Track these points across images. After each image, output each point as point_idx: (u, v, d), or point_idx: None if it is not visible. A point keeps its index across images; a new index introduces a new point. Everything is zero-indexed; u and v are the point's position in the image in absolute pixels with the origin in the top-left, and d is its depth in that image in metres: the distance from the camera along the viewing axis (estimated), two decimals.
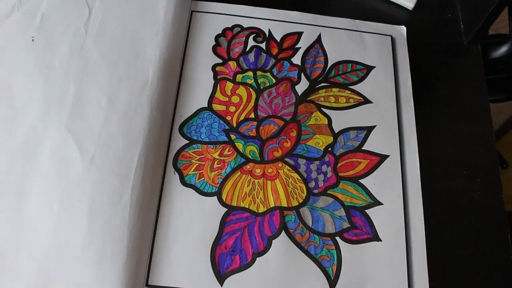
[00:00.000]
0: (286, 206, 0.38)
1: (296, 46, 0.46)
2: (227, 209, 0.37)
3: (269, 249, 0.36)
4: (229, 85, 0.43)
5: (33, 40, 0.41)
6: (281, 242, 0.36)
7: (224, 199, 0.38)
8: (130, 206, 0.35)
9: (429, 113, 0.45)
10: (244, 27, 0.46)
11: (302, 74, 0.44)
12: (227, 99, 0.42)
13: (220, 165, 0.39)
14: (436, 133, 0.44)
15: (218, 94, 0.43)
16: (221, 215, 0.37)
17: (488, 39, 0.52)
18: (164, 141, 0.39)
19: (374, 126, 0.42)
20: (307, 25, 0.47)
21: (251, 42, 0.46)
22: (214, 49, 0.45)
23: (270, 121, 0.42)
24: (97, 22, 0.43)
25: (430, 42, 0.50)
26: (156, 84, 0.40)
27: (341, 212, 0.38)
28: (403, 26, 0.48)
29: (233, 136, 0.41)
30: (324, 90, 0.44)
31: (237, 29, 0.46)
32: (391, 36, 0.47)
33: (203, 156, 0.40)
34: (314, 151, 0.40)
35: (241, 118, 0.42)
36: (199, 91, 0.43)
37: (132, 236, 0.34)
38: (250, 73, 0.44)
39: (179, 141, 0.40)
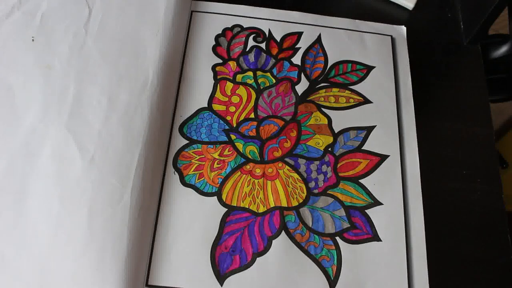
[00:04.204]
0: (286, 206, 0.38)
1: (296, 46, 0.46)
2: (227, 209, 0.37)
3: (269, 249, 0.36)
4: (229, 85, 0.43)
5: (33, 40, 0.41)
6: (281, 242, 0.36)
7: (224, 199, 0.38)
8: (130, 206, 0.35)
9: (429, 113, 0.45)
10: (244, 27, 0.46)
11: (302, 74, 0.44)
12: (227, 99, 0.42)
13: (220, 165, 0.39)
14: (436, 133, 0.44)
15: (218, 94, 0.43)
16: (221, 215, 0.37)
17: (488, 39, 0.53)
18: (164, 141, 0.39)
19: (374, 126, 0.42)
20: (307, 25, 0.47)
21: (251, 42, 0.46)
22: (214, 49, 0.45)
23: (270, 121, 0.42)
24: (97, 22, 0.43)
25: (430, 42, 0.50)
26: (156, 84, 0.40)
27: (341, 212, 0.38)
28: (403, 26, 0.48)
29: (233, 136, 0.41)
30: (324, 90, 0.44)
31: (237, 29, 0.46)
32: (391, 36, 0.47)
33: (203, 156, 0.40)
34: (314, 151, 0.40)
35: (241, 118, 0.42)
36: (199, 91, 0.43)
37: (132, 236, 0.34)
38: (250, 73, 0.44)
39: (179, 141, 0.40)
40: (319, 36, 0.46)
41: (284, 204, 0.38)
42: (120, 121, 0.38)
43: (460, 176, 0.42)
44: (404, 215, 0.38)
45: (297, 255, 0.36)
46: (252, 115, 0.42)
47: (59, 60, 0.41)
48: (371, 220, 0.38)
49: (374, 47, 0.46)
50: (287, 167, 0.40)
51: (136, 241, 0.34)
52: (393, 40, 0.47)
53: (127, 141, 0.37)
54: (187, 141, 0.40)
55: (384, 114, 0.43)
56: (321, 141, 0.41)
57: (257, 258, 0.36)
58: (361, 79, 0.44)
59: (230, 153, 0.40)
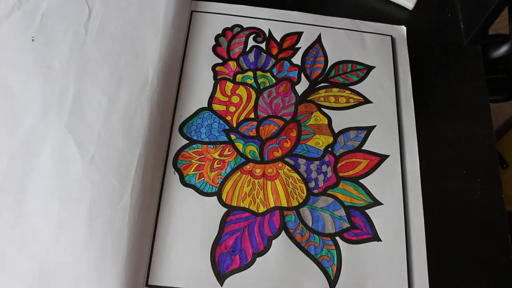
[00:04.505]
0: (286, 206, 0.38)
1: (296, 46, 0.46)
2: (227, 209, 0.37)
3: (269, 249, 0.36)
4: (229, 85, 0.43)
5: (33, 40, 0.41)
6: (281, 242, 0.36)
7: (224, 199, 0.38)
8: (130, 206, 0.35)
9: (429, 113, 0.45)
10: (244, 27, 0.46)
11: (302, 74, 0.44)
12: (227, 99, 0.42)
13: (220, 165, 0.39)
14: (436, 133, 0.44)
15: (218, 94, 0.43)
16: (221, 215, 0.37)
17: (488, 39, 0.53)
18: (164, 141, 0.39)
19: (374, 126, 0.42)
20: (307, 25, 0.47)
21: (251, 42, 0.46)
22: (214, 49, 0.45)
23: (270, 121, 0.42)
24: (97, 22, 0.43)
25: (430, 42, 0.50)
26: (156, 84, 0.40)
27: (341, 212, 0.38)
28: (403, 26, 0.48)
29: (233, 136, 0.41)
30: (324, 90, 0.44)
31: (237, 29, 0.46)
32: (391, 36, 0.47)
33: (203, 156, 0.40)
34: (314, 151, 0.40)
35: (241, 118, 0.42)
36: (199, 91, 0.43)
37: (132, 236, 0.34)
38: (250, 73, 0.44)
39: (179, 141, 0.40)
40: (319, 36, 0.47)
41: (284, 204, 0.38)
42: (120, 121, 0.38)
43: (460, 176, 0.42)
44: (404, 215, 0.38)
45: (297, 255, 0.36)
46: (252, 115, 0.42)
47: (59, 60, 0.41)
48: (371, 220, 0.38)
49: (374, 47, 0.46)
50: (287, 167, 0.40)
51: (136, 241, 0.34)
52: (393, 40, 0.47)
53: (127, 141, 0.37)
54: (187, 141, 0.40)
55: (384, 114, 0.43)
56: (321, 141, 0.41)
57: (257, 258, 0.36)
58: (361, 79, 0.44)
59: (230, 153, 0.40)
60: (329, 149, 0.41)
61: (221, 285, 0.35)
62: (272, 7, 0.48)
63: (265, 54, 0.45)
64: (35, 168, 0.36)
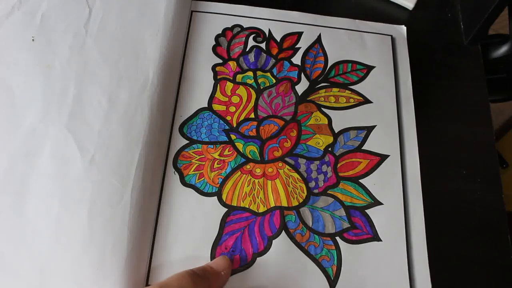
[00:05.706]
0: (286, 206, 0.38)
1: (296, 46, 0.46)
2: (227, 209, 0.37)
3: (269, 249, 0.36)
4: (229, 85, 0.43)
5: (33, 40, 0.41)
6: (281, 242, 0.36)
7: (224, 199, 0.38)
8: (130, 206, 0.35)
9: (429, 113, 0.45)
10: (244, 27, 0.46)
11: (302, 74, 0.44)
12: (227, 99, 0.42)
13: (220, 165, 0.39)
14: (436, 133, 0.44)
15: (218, 94, 0.43)
16: (221, 215, 0.37)
17: (488, 39, 0.53)
18: (164, 141, 0.39)
19: (374, 126, 0.42)
20: (307, 25, 0.47)
21: (251, 42, 0.46)
22: (214, 49, 0.45)
23: (270, 121, 0.42)
24: (97, 22, 0.43)
25: (430, 42, 0.50)
26: (156, 84, 0.40)
27: (341, 212, 0.38)
28: (403, 25, 0.48)
29: (233, 136, 0.41)
30: (324, 90, 0.44)
31: (237, 29, 0.46)
32: (391, 35, 0.47)
33: (203, 156, 0.40)
34: (314, 151, 0.40)
35: (241, 118, 0.42)
36: (199, 91, 0.43)
37: (132, 236, 0.34)
38: (250, 73, 0.44)
39: (179, 141, 0.40)
40: (319, 36, 0.47)
41: (284, 204, 0.38)
42: (120, 121, 0.38)
43: (460, 176, 0.42)
44: (404, 215, 0.38)
45: (297, 255, 0.36)
46: (252, 115, 0.42)
47: (59, 60, 0.41)
48: (371, 220, 0.38)
49: (374, 47, 0.46)
50: (287, 166, 0.40)
51: (136, 241, 0.34)
52: (393, 40, 0.47)
53: (127, 141, 0.37)
54: (187, 141, 0.40)
55: (384, 114, 0.43)
56: (321, 141, 0.41)
57: (257, 258, 0.36)
58: (361, 79, 0.44)
59: (230, 153, 0.40)
60: (329, 149, 0.41)
61: None
62: (272, 7, 0.48)
63: (265, 54, 0.45)
64: (35, 168, 0.36)
